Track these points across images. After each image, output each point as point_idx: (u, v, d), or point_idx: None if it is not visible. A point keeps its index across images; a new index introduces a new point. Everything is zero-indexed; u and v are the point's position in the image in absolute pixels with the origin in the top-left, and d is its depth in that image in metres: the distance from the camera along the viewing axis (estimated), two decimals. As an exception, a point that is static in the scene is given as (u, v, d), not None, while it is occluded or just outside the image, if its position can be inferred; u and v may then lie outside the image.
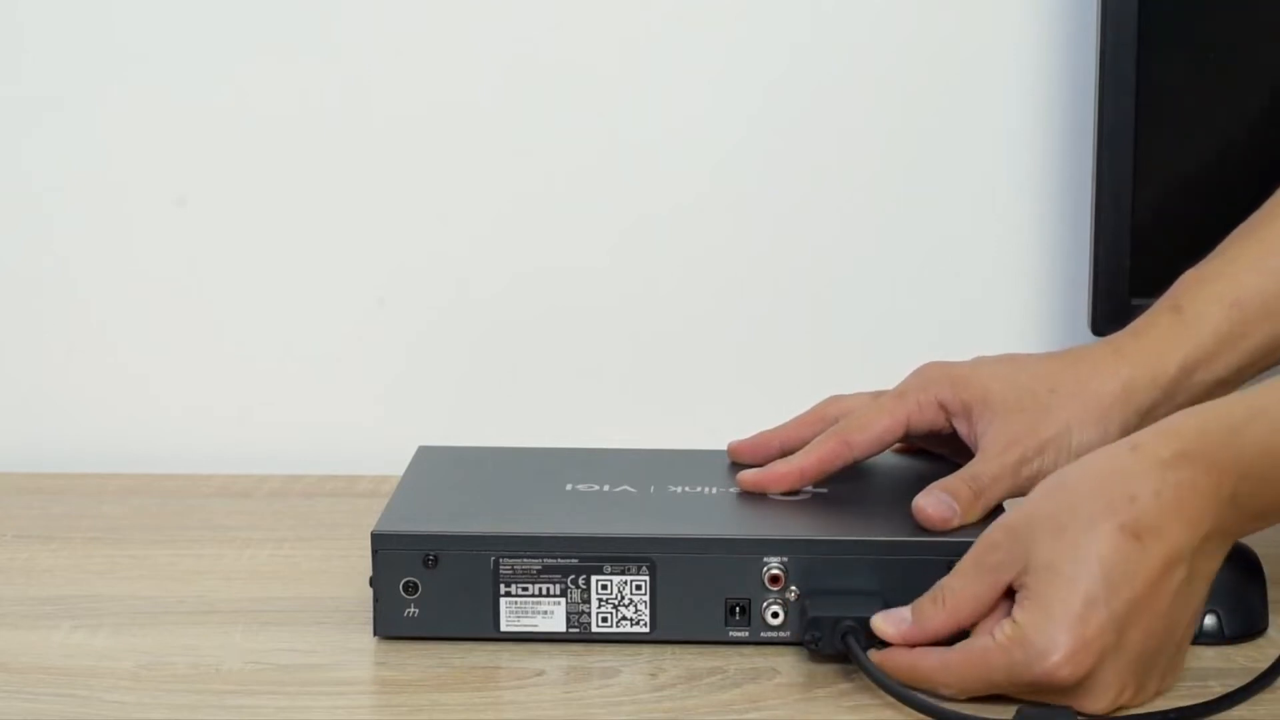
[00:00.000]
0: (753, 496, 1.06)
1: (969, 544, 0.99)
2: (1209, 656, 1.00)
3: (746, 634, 1.00)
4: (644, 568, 1.00)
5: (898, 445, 1.10)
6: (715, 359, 1.33)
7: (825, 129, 1.30)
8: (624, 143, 1.30)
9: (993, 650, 0.90)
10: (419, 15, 1.29)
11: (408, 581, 1.00)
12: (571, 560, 1.00)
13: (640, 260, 1.32)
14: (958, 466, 1.05)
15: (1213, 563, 0.91)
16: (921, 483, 1.09)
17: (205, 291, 1.32)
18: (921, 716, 0.92)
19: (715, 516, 1.04)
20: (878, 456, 1.14)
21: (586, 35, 1.29)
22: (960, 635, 0.93)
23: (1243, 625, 1.02)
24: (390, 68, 1.30)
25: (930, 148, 1.30)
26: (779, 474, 1.05)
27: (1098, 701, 0.90)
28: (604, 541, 1.00)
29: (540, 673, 0.98)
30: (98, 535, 1.19)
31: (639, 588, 1.00)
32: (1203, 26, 1.15)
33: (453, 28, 1.29)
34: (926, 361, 1.08)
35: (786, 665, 0.99)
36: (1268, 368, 1.04)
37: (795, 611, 0.99)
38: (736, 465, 1.11)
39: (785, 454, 1.07)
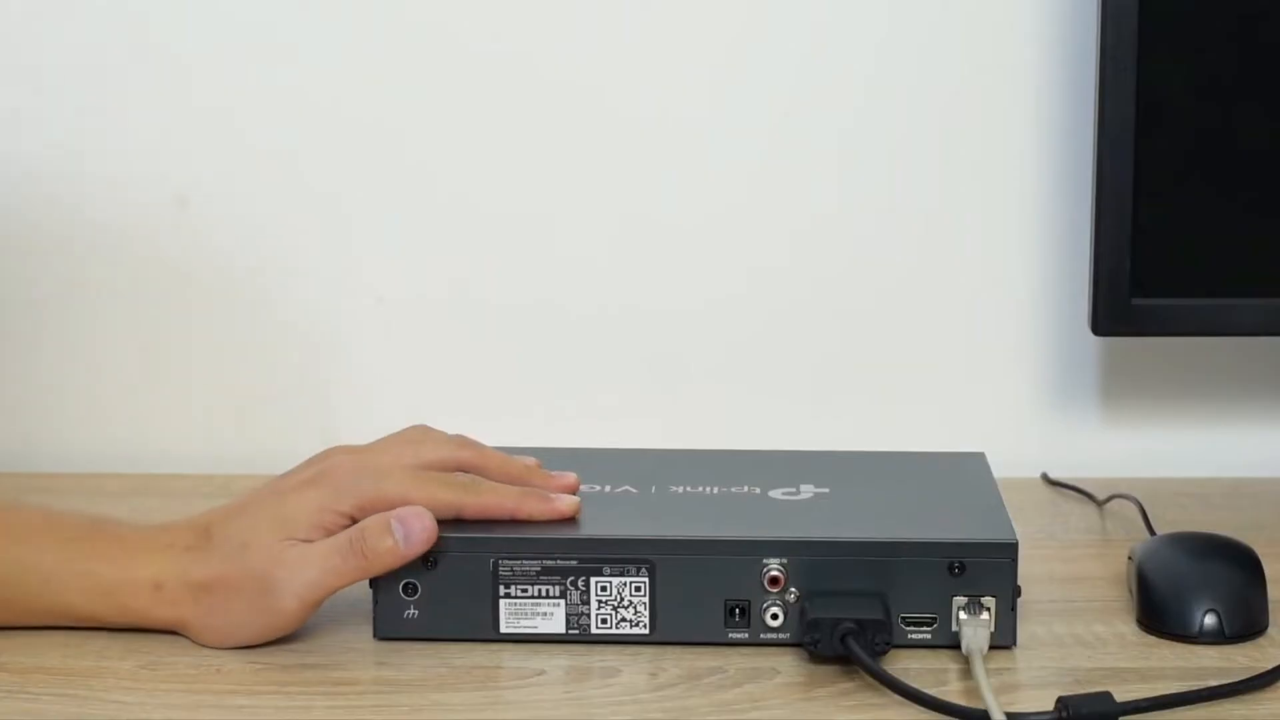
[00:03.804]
0: (753, 497, 1.06)
1: (969, 544, 0.99)
2: (1210, 656, 1.00)
3: (746, 635, 1.00)
4: (643, 569, 1.00)
5: None
6: (716, 360, 1.33)
7: (824, 131, 1.30)
8: (625, 143, 1.30)
9: None
10: (420, 14, 1.29)
11: (407, 583, 1.00)
12: (571, 562, 1.00)
13: (642, 260, 1.32)
14: None
15: None
16: (923, 485, 1.09)
17: (205, 291, 1.32)
18: (928, 713, 0.93)
19: (715, 517, 1.03)
20: (878, 457, 1.14)
21: (589, 33, 1.29)
22: None
23: (1243, 625, 1.02)
24: (389, 66, 1.30)
25: (930, 148, 1.30)
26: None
27: None
28: (603, 543, 1.00)
29: (541, 672, 0.98)
30: (98, 535, 1.19)
31: (638, 589, 1.00)
32: (1203, 26, 1.15)
33: (452, 26, 1.29)
34: None
35: (786, 665, 0.99)
36: None
37: (795, 613, 0.99)
38: (737, 466, 1.11)
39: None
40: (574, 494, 1.04)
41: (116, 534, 1.02)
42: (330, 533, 1.00)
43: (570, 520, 1.02)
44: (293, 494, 1.01)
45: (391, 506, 1.00)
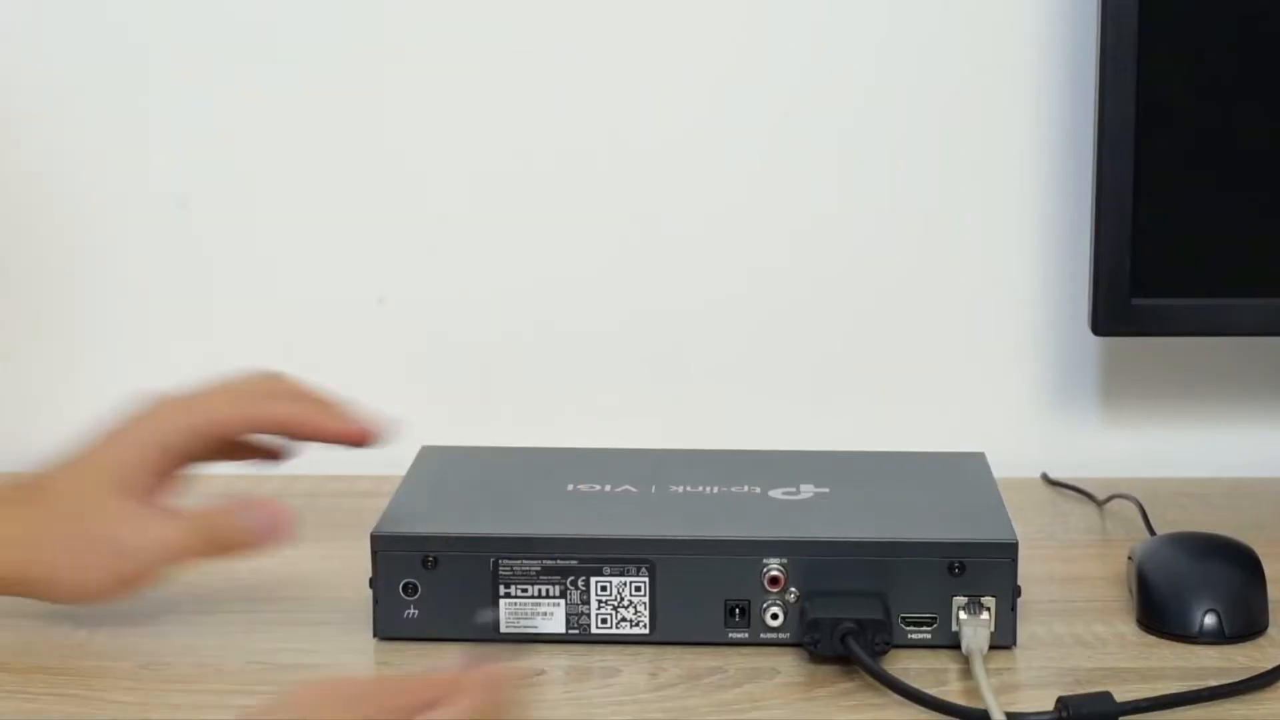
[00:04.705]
0: (753, 497, 1.06)
1: (969, 544, 0.99)
2: (1210, 656, 1.00)
3: (746, 635, 1.00)
4: (643, 569, 1.00)
5: None
6: (716, 360, 1.33)
7: (824, 131, 1.30)
8: (626, 145, 1.30)
9: None
10: (422, 14, 1.29)
11: (407, 583, 1.00)
12: (571, 561, 1.00)
13: (642, 259, 1.32)
14: None
15: None
16: (923, 485, 1.09)
17: (205, 291, 1.32)
18: (928, 713, 0.93)
19: (715, 517, 1.04)
20: (878, 457, 1.14)
21: (589, 33, 1.29)
22: None
23: (1243, 625, 1.02)
24: (391, 67, 1.30)
25: (930, 148, 1.30)
26: None
27: None
28: (603, 543, 1.00)
29: (541, 672, 0.98)
30: (98, 535, 1.19)
31: (638, 589, 1.00)
32: (1203, 26, 1.15)
33: (454, 27, 1.29)
34: None
35: (786, 665, 0.99)
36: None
37: (795, 613, 0.99)
38: (737, 466, 1.11)
39: None
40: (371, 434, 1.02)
41: None
42: (159, 474, 0.99)
43: (578, 517, 1.03)
44: (118, 437, 1.00)
45: (211, 423, 1.00)
